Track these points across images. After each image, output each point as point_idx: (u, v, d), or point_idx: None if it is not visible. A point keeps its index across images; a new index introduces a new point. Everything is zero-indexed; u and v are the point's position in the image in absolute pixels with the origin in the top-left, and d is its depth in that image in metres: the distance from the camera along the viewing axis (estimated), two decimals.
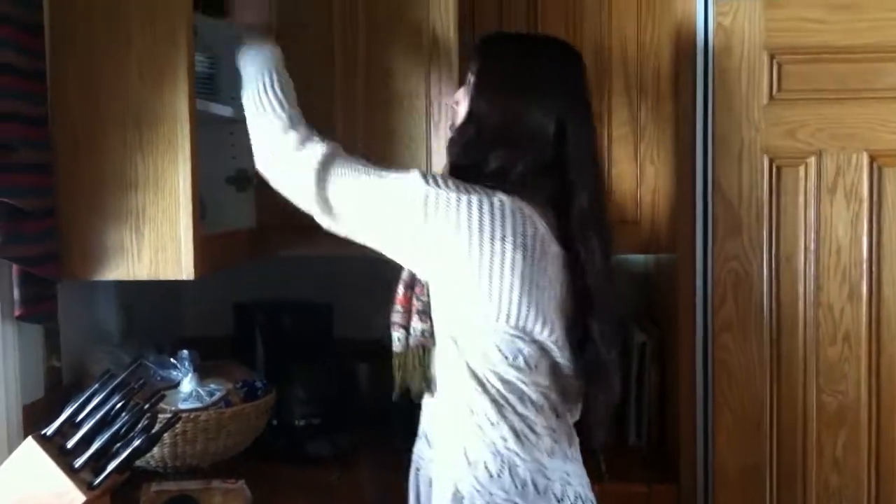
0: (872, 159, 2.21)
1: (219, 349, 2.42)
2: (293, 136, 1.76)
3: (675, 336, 2.34)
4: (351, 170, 1.73)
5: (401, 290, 1.81)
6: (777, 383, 2.24)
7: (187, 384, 2.08)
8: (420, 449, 1.87)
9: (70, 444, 1.66)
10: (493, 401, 1.69)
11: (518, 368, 1.69)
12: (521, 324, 1.66)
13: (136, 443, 1.67)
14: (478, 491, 1.69)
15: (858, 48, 2.19)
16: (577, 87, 1.80)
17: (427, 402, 1.83)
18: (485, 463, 1.69)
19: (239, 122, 1.90)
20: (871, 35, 2.18)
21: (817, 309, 2.22)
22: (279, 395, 2.29)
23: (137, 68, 1.84)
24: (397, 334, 1.80)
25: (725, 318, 2.24)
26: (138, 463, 1.91)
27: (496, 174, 1.71)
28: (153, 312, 2.61)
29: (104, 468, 1.65)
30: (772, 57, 2.21)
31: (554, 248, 1.69)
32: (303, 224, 2.42)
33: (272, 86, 1.79)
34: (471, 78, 1.81)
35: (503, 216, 1.64)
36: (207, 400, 2.05)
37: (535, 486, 1.69)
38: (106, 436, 1.66)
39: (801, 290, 2.23)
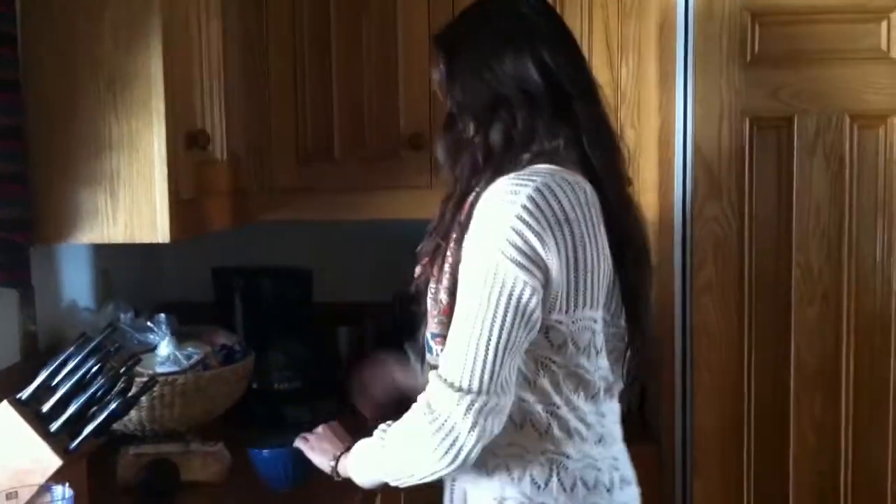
0: (853, 120, 2.21)
1: (198, 314, 2.41)
2: (425, 424, 1.52)
3: (655, 298, 2.34)
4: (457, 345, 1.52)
5: (445, 299, 1.60)
6: (756, 344, 2.25)
7: (164, 348, 2.07)
8: None
9: (45, 408, 1.65)
10: (545, 407, 1.58)
11: (590, 355, 1.60)
12: (587, 306, 1.56)
13: (112, 406, 1.66)
14: None
15: (840, 9, 2.19)
16: (535, 23, 1.67)
17: None
18: (531, 476, 1.59)
19: None
20: None
21: (796, 269, 2.23)
22: (259, 360, 2.28)
23: (111, 30, 1.81)
24: (440, 347, 1.59)
25: (705, 280, 2.24)
26: (116, 427, 1.90)
27: (512, 148, 1.61)
28: (132, 278, 2.60)
29: (80, 432, 1.64)
30: (753, 18, 2.20)
31: (597, 206, 1.59)
32: (283, 188, 2.43)
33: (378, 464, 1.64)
34: (437, 77, 1.73)
35: (538, 207, 1.50)
36: (185, 363, 2.04)
37: (585, 483, 1.61)
38: (82, 399, 1.65)
39: (780, 250, 2.23)
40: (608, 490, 1.64)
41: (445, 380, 1.49)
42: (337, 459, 1.73)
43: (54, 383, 1.68)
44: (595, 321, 1.59)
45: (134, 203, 1.85)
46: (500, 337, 1.48)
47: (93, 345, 1.70)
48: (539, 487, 1.59)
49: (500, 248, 1.48)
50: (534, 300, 1.49)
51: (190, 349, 2.09)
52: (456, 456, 1.50)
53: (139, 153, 1.83)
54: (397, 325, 2.47)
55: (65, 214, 1.86)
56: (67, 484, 1.48)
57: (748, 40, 2.20)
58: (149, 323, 2.12)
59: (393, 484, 1.63)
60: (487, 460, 1.59)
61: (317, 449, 1.77)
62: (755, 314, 2.25)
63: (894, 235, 2.21)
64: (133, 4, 1.80)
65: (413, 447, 1.55)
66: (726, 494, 2.28)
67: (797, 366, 2.25)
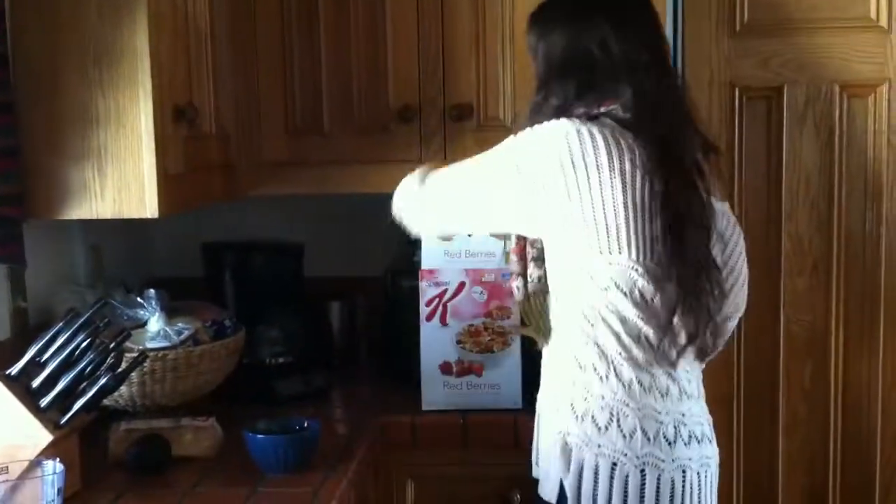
0: (842, 89, 2.21)
1: (188, 290, 2.40)
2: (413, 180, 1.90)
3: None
4: (447, 170, 1.85)
5: (514, 238, 1.84)
6: (745, 314, 2.24)
7: (155, 323, 2.07)
8: (539, 393, 1.87)
9: (35, 383, 1.65)
10: (603, 352, 1.68)
11: (636, 304, 1.65)
12: (632, 254, 1.64)
13: (102, 381, 1.66)
14: (586, 444, 1.68)
15: None
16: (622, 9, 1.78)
17: (546, 348, 1.83)
18: (592, 416, 1.68)
19: None
20: None
21: (786, 239, 2.23)
22: (250, 335, 2.28)
23: (96, 5, 1.81)
24: (516, 283, 1.83)
25: None
26: (107, 402, 1.91)
27: (565, 107, 1.73)
28: (123, 253, 2.60)
29: (71, 407, 1.65)
30: None
31: (647, 165, 1.65)
32: (272, 162, 2.42)
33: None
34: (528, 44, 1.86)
35: (595, 145, 1.63)
36: (175, 339, 2.04)
37: (645, 432, 1.67)
38: (71, 375, 1.65)
39: (770, 221, 2.24)
40: (670, 443, 1.69)
41: (428, 174, 1.86)
42: None
43: (44, 359, 1.69)
44: (634, 268, 1.64)
45: (122, 178, 1.85)
46: (466, 193, 1.79)
47: (82, 320, 1.70)
48: (599, 429, 1.68)
49: (516, 140, 1.71)
50: (515, 202, 1.70)
51: (180, 325, 2.09)
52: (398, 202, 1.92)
53: (126, 128, 1.83)
54: (389, 300, 2.47)
55: (53, 190, 1.87)
56: (58, 459, 1.48)
57: (737, 9, 2.19)
58: (139, 298, 2.11)
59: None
60: (558, 395, 1.74)
61: None
62: None
63: (884, 205, 2.22)
64: None
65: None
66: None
67: (787, 336, 2.26)
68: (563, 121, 1.67)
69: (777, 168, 2.22)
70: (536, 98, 1.79)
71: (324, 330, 2.58)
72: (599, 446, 1.68)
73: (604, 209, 1.63)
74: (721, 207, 1.78)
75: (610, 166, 1.63)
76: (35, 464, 1.47)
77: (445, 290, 2.15)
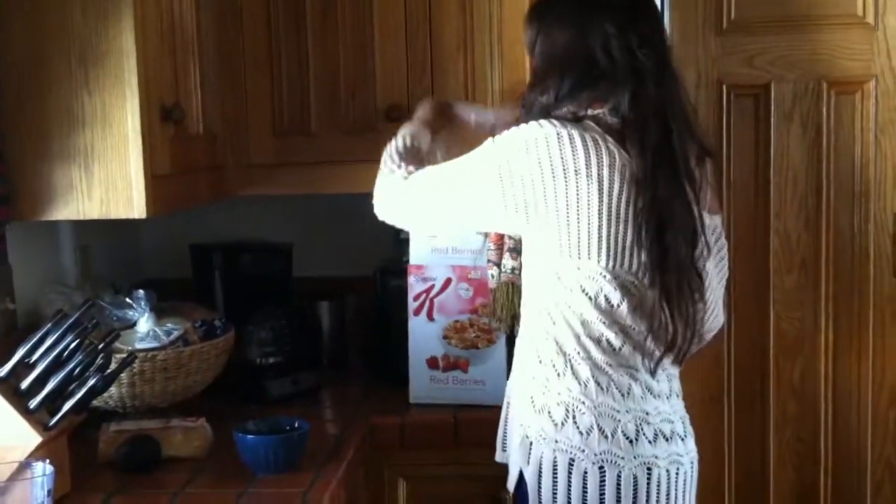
0: (829, 86, 2.21)
1: (178, 290, 2.40)
2: (395, 175, 1.88)
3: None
4: (431, 168, 1.84)
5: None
6: (735, 313, 2.26)
7: (144, 324, 2.06)
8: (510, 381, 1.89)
9: (24, 385, 1.64)
10: (561, 350, 1.69)
11: (599, 308, 1.67)
12: (601, 261, 1.65)
13: (91, 382, 1.65)
14: (543, 438, 1.69)
15: None
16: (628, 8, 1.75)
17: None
18: (549, 411, 1.69)
19: None
20: None
21: (774, 237, 2.24)
22: (240, 336, 2.28)
23: (80, 5, 1.80)
24: (491, 271, 1.91)
25: None
26: (97, 403, 1.90)
27: (555, 105, 1.72)
28: (111, 254, 2.59)
29: (60, 409, 1.64)
30: None
31: (629, 172, 1.65)
32: (260, 163, 2.42)
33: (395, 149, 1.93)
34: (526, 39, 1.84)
35: (574, 149, 1.63)
36: (165, 339, 2.04)
37: (602, 430, 1.67)
38: (60, 376, 1.64)
39: (758, 218, 2.24)
40: (631, 441, 1.68)
41: (407, 180, 1.83)
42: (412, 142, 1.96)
43: (32, 360, 1.68)
44: (602, 275, 1.65)
45: (109, 179, 1.84)
46: (445, 194, 1.77)
47: (70, 321, 1.69)
48: (556, 425, 1.68)
49: (502, 148, 1.68)
50: (495, 202, 1.68)
51: (170, 325, 2.08)
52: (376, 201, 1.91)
53: (113, 128, 1.83)
54: (378, 299, 2.47)
55: (40, 191, 1.86)
56: (48, 460, 1.47)
57: (724, 7, 2.20)
58: (128, 299, 2.10)
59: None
60: (522, 388, 1.75)
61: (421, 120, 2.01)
62: (734, 282, 2.25)
63: (871, 201, 2.22)
64: None
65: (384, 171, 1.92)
66: (707, 462, 2.28)
67: (776, 333, 2.26)
68: (545, 123, 1.67)
69: (765, 165, 2.23)
70: (530, 95, 1.78)
71: (313, 330, 2.57)
72: (556, 441, 1.68)
73: (578, 215, 1.63)
74: (711, 221, 1.77)
75: (587, 172, 1.62)
76: (24, 465, 1.46)
77: (432, 286, 2.17)
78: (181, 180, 2.05)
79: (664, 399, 1.75)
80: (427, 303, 2.18)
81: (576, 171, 1.62)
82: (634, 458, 1.68)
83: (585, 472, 1.67)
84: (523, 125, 1.69)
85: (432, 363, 2.19)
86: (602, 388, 1.68)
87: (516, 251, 1.82)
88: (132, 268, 2.71)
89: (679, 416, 1.78)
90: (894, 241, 2.24)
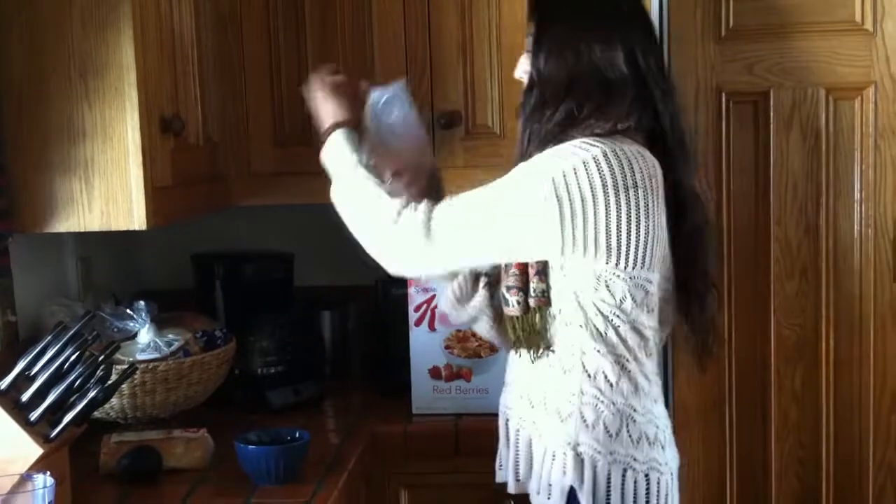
0: (828, 93, 2.21)
1: (179, 301, 2.40)
2: (388, 211, 1.75)
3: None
4: (460, 200, 1.73)
5: None
6: (736, 320, 2.26)
7: (144, 335, 2.06)
8: (515, 405, 1.82)
9: (25, 397, 1.64)
10: (615, 359, 1.68)
11: (646, 312, 1.69)
12: (647, 266, 1.67)
13: (92, 394, 1.65)
14: (598, 452, 1.68)
15: None
16: (635, 10, 1.77)
17: (523, 361, 1.79)
18: (604, 423, 1.68)
19: None
20: None
21: (775, 243, 2.24)
22: (241, 346, 2.28)
23: (80, 17, 1.80)
24: (515, 298, 1.75)
25: None
26: (98, 414, 1.90)
27: (578, 123, 1.69)
28: (112, 265, 2.59)
29: (60, 420, 1.64)
30: None
31: (661, 181, 1.69)
32: (261, 172, 2.42)
33: (353, 171, 1.83)
34: (529, 41, 1.79)
35: (622, 166, 1.62)
36: (166, 350, 2.04)
37: (647, 437, 1.70)
38: (61, 388, 1.65)
39: (758, 225, 2.24)
40: (663, 447, 1.73)
41: (431, 213, 1.70)
42: (337, 127, 1.88)
43: (33, 372, 1.68)
44: (650, 282, 1.68)
45: (109, 191, 1.84)
46: (490, 229, 1.69)
47: (71, 333, 1.69)
48: (611, 436, 1.68)
49: (553, 175, 1.62)
50: (529, 238, 1.65)
51: (170, 336, 2.08)
52: (379, 253, 1.79)
53: (113, 140, 1.83)
54: (380, 309, 2.47)
55: (40, 203, 1.86)
56: (49, 472, 1.47)
57: (722, 14, 2.20)
58: (128, 310, 2.11)
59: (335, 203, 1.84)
60: (560, 406, 1.70)
61: (331, 99, 1.90)
62: (734, 289, 2.26)
63: (871, 207, 2.22)
64: None
65: (370, 219, 1.79)
66: (709, 469, 2.30)
67: (777, 340, 2.26)
68: (591, 143, 1.65)
69: (765, 172, 2.23)
70: (547, 110, 1.73)
71: (315, 339, 2.58)
72: (612, 453, 1.68)
73: (628, 228, 1.63)
74: None
75: (635, 186, 1.63)
76: (25, 478, 1.47)
77: (434, 296, 2.17)
78: (182, 191, 2.06)
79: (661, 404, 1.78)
80: (428, 313, 2.18)
81: (626, 187, 1.62)
82: (666, 463, 1.73)
83: (636, 482, 1.68)
84: (561, 149, 1.66)
85: (435, 373, 2.20)
86: (647, 393, 1.71)
87: (544, 273, 1.74)
88: (133, 278, 2.71)
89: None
90: (895, 247, 2.23)
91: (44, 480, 1.45)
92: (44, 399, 1.64)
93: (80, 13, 1.80)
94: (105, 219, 1.85)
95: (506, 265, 1.75)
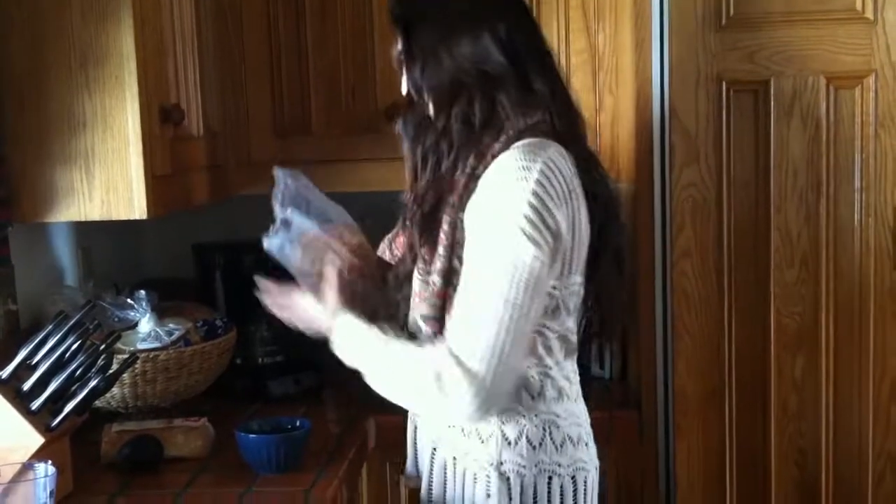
0: (829, 81, 2.21)
1: (180, 290, 2.40)
2: (431, 388, 1.52)
3: (634, 265, 2.35)
4: (477, 334, 1.50)
5: (438, 282, 1.58)
6: (735, 308, 2.26)
7: (145, 324, 2.07)
8: (428, 421, 1.74)
9: (26, 386, 1.65)
10: (539, 371, 1.61)
11: (567, 316, 1.62)
12: (575, 272, 1.60)
13: (93, 383, 1.66)
14: (523, 467, 1.61)
15: None
16: None
17: None
18: (527, 437, 1.61)
19: None
20: None
21: (775, 232, 2.24)
22: (242, 335, 2.28)
23: (80, 7, 1.80)
24: (431, 329, 1.58)
25: (684, 246, 2.25)
26: (100, 404, 1.91)
27: (488, 126, 1.58)
28: (112, 255, 2.59)
29: (62, 409, 1.65)
30: None
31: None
32: (261, 162, 2.42)
33: (381, 351, 1.61)
34: (395, 55, 1.69)
35: (563, 174, 1.53)
36: (166, 339, 2.04)
37: (571, 439, 1.64)
38: (62, 377, 1.65)
39: (758, 214, 2.24)
40: (587, 445, 1.68)
41: (458, 358, 1.49)
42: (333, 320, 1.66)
43: (34, 361, 1.68)
44: (580, 284, 1.62)
45: (110, 180, 1.85)
46: (519, 321, 1.49)
47: (72, 322, 1.70)
48: (535, 448, 1.61)
49: (518, 225, 1.48)
50: (550, 279, 1.53)
51: (171, 325, 2.09)
52: (451, 418, 1.60)
53: (113, 130, 1.83)
54: None
55: (41, 193, 1.86)
56: (50, 461, 1.47)
57: (723, 3, 2.19)
58: (129, 300, 2.11)
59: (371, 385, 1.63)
60: (480, 428, 1.61)
61: (301, 311, 1.71)
62: (734, 278, 2.26)
63: (871, 196, 2.22)
64: None
65: (413, 396, 1.58)
66: (708, 458, 2.30)
67: (777, 329, 2.26)
68: (525, 159, 1.52)
69: (765, 161, 2.23)
70: (416, 111, 1.64)
71: None
72: (536, 465, 1.61)
73: (569, 238, 1.55)
74: None
75: (569, 194, 1.54)
76: (27, 467, 1.47)
77: None
78: (182, 180, 2.06)
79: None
80: None
81: (569, 193, 1.54)
82: (590, 460, 1.67)
83: (562, 486, 1.64)
84: (516, 176, 1.50)
85: None
86: (568, 396, 1.66)
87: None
88: (134, 268, 2.72)
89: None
90: (895, 236, 2.23)
91: (45, 469, 1.46)
92: (45, 388, 1.65)
93: (79, 3, 1.80)
94: (105, 208, 1.86)
95: (421, 290, 1.63)
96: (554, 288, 1.57)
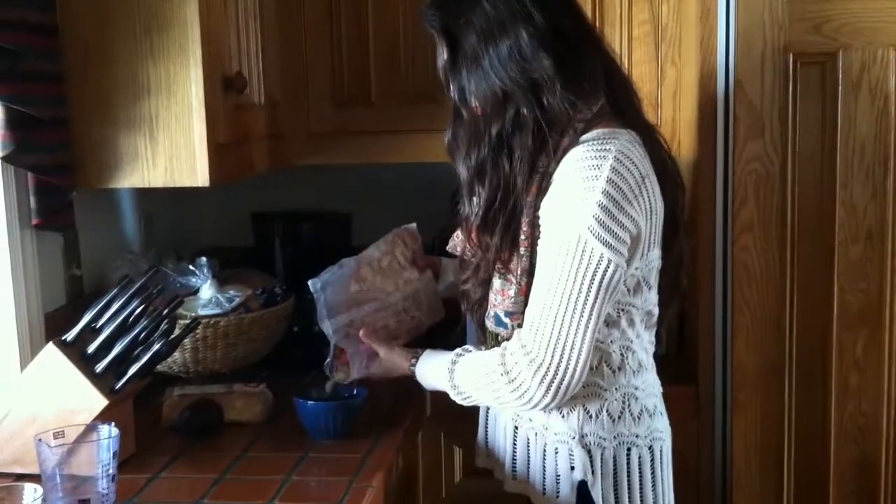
0: None
1: (239, 258, 2.43)
2: (501, 380, 1.62)
3: (695, 239, 2.32)
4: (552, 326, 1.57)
5: (523, 281, 1.63)
6: (797, 284, 2.22)
7: (206, 290, 2.09)
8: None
9: (91, 349, 1.68)
10: (622, 345, 1.66)
11: (649, 291, 1.67)
12: (655, 246, 1.65)
13: (156, 347, 1.69)
14: (604, 439, 1.66)
15: None
16: None
17: None
18: (607, 410, 1.66)
19: None
20: None
21: (840, 208, 2.19)
22: (299, 304, 2.30)
23: None
24: (513, 323, 1.67)
25: (746, 220, 2.22)
26: (161, 368, 1.94)
27: (553, 119, 1.60)
28: (173, 222, 2.62)
29: (125, 373, 1.67)
30: None
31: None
32: (320, 132, 2.43)
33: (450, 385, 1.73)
34: (441, 64, 1.70)
35: (634, 161, 1.58)
36: (227, 306, 2.06)
37: (647, 410, 1.70)
38: (126, 341, 1.68)
39: (823, 189, 2.20)
40: (661, 414, 1.74)
41: (527, 348, 1.58)
42: (414, 363, 1.80)
43: (99, 325, 1.71)
44: (658, 258, 1.67)
45: (173, 147, 1.86)
46: (588, 317, 1.55)
47: (136, 287, 1.72)
48: (614, 421, 1.67)
49: (588, 226, 1.53)
50: (618, 275, 1.56)
51: (231, 292, 2.11)
52: (524, 407, 1.62)
53: (177, 97, 1.85)
54: None
55: (105, 159, 1.89)
56: (113, 423, 1.51)
57: None
58: (191, 266, 2.14)
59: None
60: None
61: (387, 363, 1.83)
62: (797, 254, 2.22)
63: None
64: None
65: (484, 390, 1.66)
66: (765, 435, 2.27)
67: (840, 306, 2.22)
68: (600, 154, 1.55)
69: (832, 135, 2.18)
70: (466, 120, 1.65)
71: None
72: (616, 437, 1.67)
73: (646, 219, 1.60)
74: None
75: (643, 176, 1.59)
76: (91, 428, 1.50)
77: None
78: (243, 149, 2.07)
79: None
80: None
81: (643, 175, 1.58)
82: (665, 430, 1.73)
83: (640, 457, 1.70)
84: (577, 178, 1.54)
85: None
86: (647, 368, 1.73)
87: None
88: (194, 236, 2.75)
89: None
90: None
91: (108, 431, 1.49)
92: (109, 351, 1.67)
93: None
94: (169, 175, 1.87)
95: (503, 288, 1.68)
96: (636, 268, 1.61)
